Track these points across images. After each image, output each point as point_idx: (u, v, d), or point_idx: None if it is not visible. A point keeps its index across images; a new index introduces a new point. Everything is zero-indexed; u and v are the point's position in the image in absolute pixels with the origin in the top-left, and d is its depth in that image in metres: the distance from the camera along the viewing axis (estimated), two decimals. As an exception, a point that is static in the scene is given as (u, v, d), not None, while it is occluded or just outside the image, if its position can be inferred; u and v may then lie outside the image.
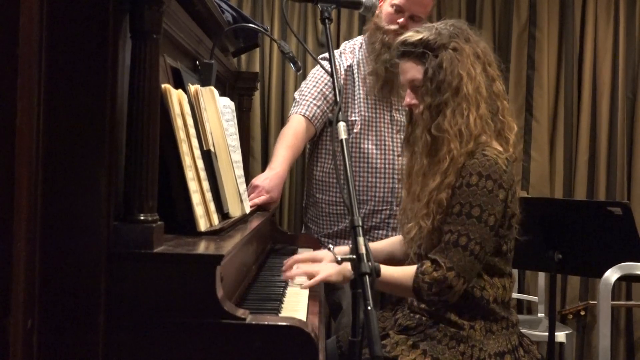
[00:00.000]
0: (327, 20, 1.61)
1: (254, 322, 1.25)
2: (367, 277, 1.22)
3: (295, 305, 1.60)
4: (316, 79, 2.59)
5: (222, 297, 1.25)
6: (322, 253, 1.89)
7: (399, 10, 2.51)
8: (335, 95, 1.47)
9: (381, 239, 2.45)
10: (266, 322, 1.26)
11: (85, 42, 1.20)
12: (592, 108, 3.73)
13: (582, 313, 3.61)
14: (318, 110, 2.53)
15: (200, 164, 1.53)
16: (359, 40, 2.72)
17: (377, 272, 1.24)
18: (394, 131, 2.60)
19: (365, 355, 1.34)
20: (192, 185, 1.45)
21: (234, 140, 1.92)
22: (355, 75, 2.61)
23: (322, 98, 2.55)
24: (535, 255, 2.40)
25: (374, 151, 2.57)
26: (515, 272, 3.12)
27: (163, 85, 1.42)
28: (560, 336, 3.07)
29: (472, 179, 1.71)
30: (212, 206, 1.55)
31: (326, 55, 2.59)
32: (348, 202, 1.32)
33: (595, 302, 3.32)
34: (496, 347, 1.74)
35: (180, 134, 1.44)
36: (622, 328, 3.71)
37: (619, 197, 3.67)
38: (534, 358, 1.81)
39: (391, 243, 2.13)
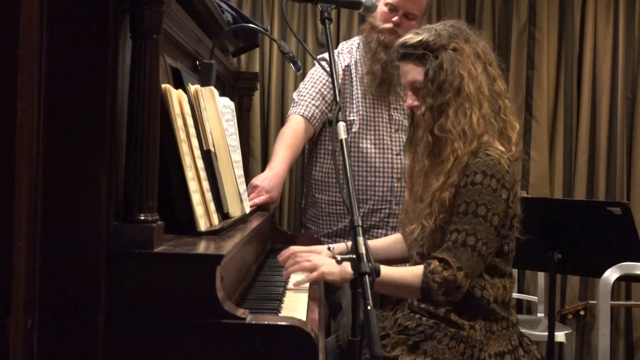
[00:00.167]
0: (327, 21, 1.61)
1: (254, 322, 1.25)
2: (367, 276, 1.22)
3: (295, 305, 1.60)
4: (314, 79, 2.60)
5: (222, 297, 1.25)
6: (320, 247, 1.89)
7: (392, 8, 2.52)
8: (335, 95, 1.47)
9: (380, 237, 2.45)
10: (266, 322, 1.26)
11: (86, 42, 1.20)
12: (592, 108, 3.72)
13: (582, 313, 3.61)
14: (317, 111, 2.54)
15: (200, 164, 1.53)
16: (356, 40, 2.72)
17: (377, 272, 1.24)
18: (392, 130, 2.60)
19: (365, 355, 1.34)
20: (192, 185, 1.45)
21: (233, 140, 1.93)
22: (353, 75, 2.61)
23: (321, 98, 2.55)
24: (535, 255, 2.40)
25: (373, 150, 2.57)
26: (515, 272, 3.12)
27: (163, 85, 1.42)
28: (560, 336, 3.07)
29: (476, 178, 1.71)
30: (212, 206, 1.55)
31: (325, 55, 2.59)
32: (348, 202, 1.32)
33: (594, 302, 3.32)
34: (496, 347, 1.74)
35: (180, 134, 1.44)
36: (621, 328, 3.71)
37: (619, 197, 3.66)
38: (534, 358, 1.81)
39: (389, 243, 2.13)
